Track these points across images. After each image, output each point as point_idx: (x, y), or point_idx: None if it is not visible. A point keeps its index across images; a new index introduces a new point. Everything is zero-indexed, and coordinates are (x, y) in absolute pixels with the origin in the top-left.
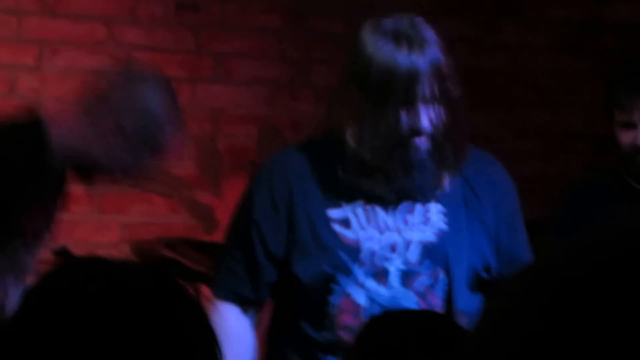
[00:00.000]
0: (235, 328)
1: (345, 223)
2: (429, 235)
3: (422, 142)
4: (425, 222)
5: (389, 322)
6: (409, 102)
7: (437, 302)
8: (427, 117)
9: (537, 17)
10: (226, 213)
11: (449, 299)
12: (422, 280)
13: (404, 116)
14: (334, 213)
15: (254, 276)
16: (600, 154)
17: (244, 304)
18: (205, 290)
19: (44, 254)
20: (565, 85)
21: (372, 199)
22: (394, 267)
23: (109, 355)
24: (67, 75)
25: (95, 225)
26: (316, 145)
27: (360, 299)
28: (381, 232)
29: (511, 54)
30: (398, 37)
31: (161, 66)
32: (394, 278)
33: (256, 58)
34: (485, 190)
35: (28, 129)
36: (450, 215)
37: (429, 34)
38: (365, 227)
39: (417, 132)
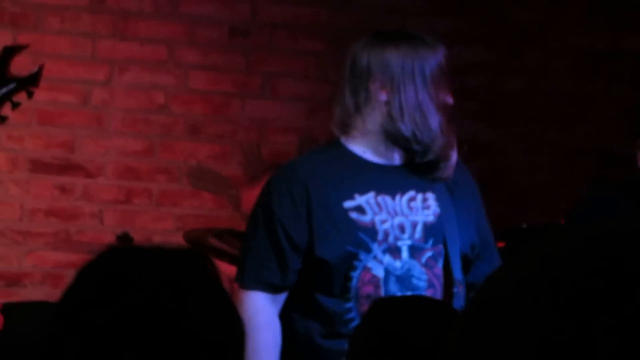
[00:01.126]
0: (266, 317)
1: (360, 210)
2: (430, 217)
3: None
4: (426, 207)
5: (392, 306)
6: None
7: (439, 272)
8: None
9: (559, 44)
10: None
11: (447, 270)
12: (427, 254)
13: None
14: (348, 204)
15: (282, 265)
16: (606, 168)
17: (274, 290)
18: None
19: (109, 238)
20: (578, 106)
21: (381, 190)
22: (404, 243)
23: (141, 329)
24: (134, 90)
25: (153, 215)
26: (324, 151)
27: (379, 271)
28: (391, 216)
29: (530, 78)
30: None
31: (214, 83)
32: (405, 253)
33: (299, 78)
34: (463, 183)
35: None
36: (442, 202)
37: None
38: (377, 212)
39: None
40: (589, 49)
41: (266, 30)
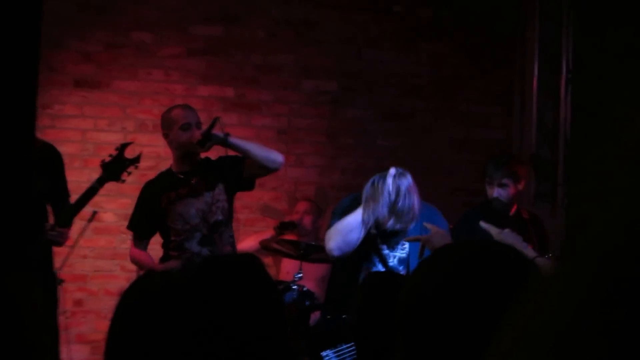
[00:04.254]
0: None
1: (379, 237)
2: (404, 254)
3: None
4: (403, 248)
5: (379, 276)
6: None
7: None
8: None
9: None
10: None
11: None
12: (400, 268)
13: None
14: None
15: None
16: (470, 196)
17: None
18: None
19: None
20: (453, 167)
21: (382, 238)
22: (392, 262)
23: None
24: None
25: (241, 232)
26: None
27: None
28: (390, 249)
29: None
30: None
31: None
32: (392, 263)
33: (314, 155)
34: (428, 221)
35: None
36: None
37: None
38: (382, 248)
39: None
40: (458, 138)
41: (295, 131)
